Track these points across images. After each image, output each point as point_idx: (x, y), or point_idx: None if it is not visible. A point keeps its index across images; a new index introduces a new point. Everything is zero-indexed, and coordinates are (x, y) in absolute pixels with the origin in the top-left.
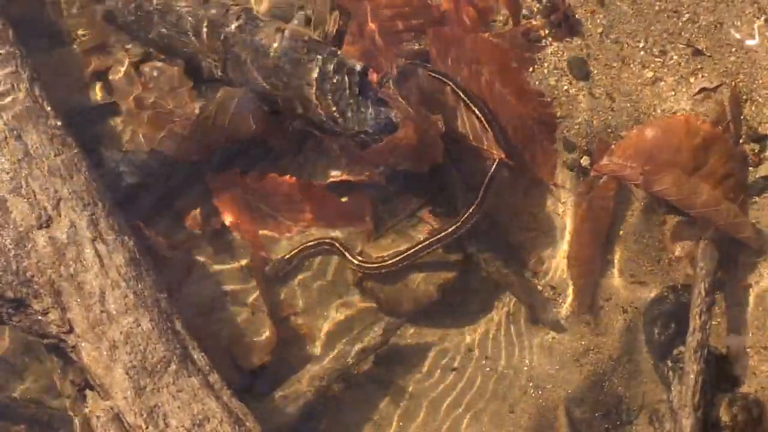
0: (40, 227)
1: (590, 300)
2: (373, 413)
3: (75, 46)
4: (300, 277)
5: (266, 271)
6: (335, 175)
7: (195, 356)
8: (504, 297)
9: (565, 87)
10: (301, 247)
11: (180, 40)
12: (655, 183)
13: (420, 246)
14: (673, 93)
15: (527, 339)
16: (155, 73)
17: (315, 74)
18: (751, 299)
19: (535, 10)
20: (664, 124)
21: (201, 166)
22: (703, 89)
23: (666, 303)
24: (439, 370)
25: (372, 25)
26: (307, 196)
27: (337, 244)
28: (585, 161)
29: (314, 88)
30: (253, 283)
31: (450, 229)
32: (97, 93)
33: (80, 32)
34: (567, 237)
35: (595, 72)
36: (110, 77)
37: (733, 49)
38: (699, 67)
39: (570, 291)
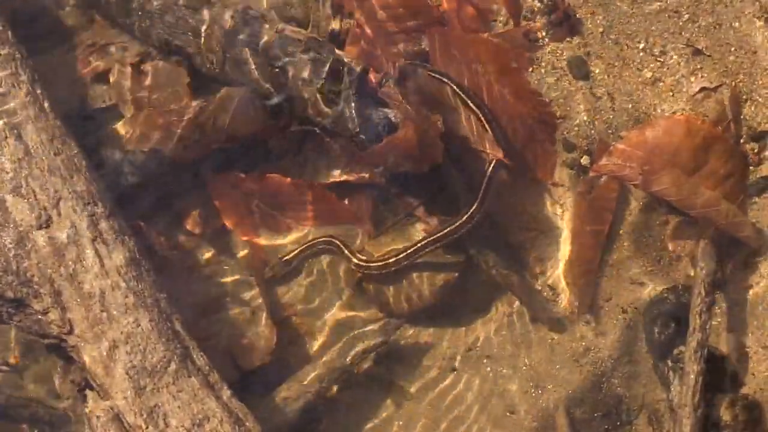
0: (40, 227)
1: (590, 300)
2: (373, 413)
3: (75, 46)
4: (300, 277)
5: (266, 271)
6: (335, 175)
7: (195, 356)
8: (504, 297)
9: (565, 87)
10: (301, 247)
11: (180, 40)
12: (654, 183)
13: (420, 246)
14: (673, 93)
15: (527, 339)
16: (155, 73)
17: (315, 74)
18: (751, 299)
19: (536, 9)
20: (664, 124)
21: (201, 166)
22: (703, 89)
23: (666, 303)
24: (439, 370)
25: (372, 25)
26: (307, 197)
27: (338, 244)
28: (585, 161)
29: (314, 88)
30: (253, 284)
31: (450, 229)
32: (97, 93)
33: (80, 32)
34: (567, 237)
35: (595, 72)
36: (110, 77)
37: (733, 49)
38: (699, 67)
39: (570, 291)
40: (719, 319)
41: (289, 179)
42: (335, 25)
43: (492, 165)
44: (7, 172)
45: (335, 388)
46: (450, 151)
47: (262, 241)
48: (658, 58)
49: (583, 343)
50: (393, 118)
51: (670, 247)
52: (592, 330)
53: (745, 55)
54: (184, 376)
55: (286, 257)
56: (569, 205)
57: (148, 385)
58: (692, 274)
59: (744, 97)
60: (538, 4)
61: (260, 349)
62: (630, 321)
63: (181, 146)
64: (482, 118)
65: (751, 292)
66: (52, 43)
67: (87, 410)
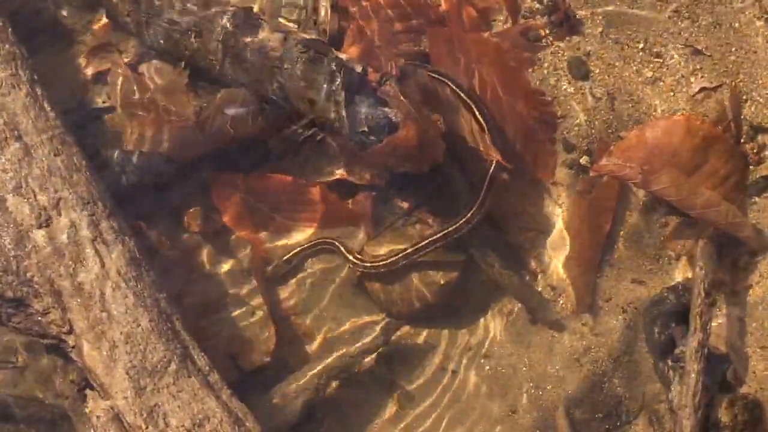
0: (40, 227)
1: (590, 300)
2: (374, 413)
3: (75, 46)
4: (300, 277)
5: (266, 271)
6: (335, 175)
7: (195, 356)
8: (504, 297)
9: (565, 87)
10: (301, 247)
11: (180, 41)
12: (653, 182)
13: (420, 246)
14: (673, 93)
15: (527, 339)
16: (155, 74)
17: (314, 74)
18: (751, 299)
19: (536, 9)
20: (664, 124)
21: (201, 166)
22: (703, 89)
23: (666, 303)
24: (439, 370)
25: (372, 25)
26: (308, 197)
27: (337, 244)
28: (585, 161)
29: (313, 88)
30: (254, 283)
31: (450, 229)
32: (97, 93)
33: (80, 32)
34: (567, 237)
35: (595, 72)
36: (110, 77)
37: (733, 49)
38: (699, 67)
39: (570, 291)
40: (719, 320)
41: (289, 179)
42: (335, 25)
43: (492, 166)
44: (7, 172)
45: (336, 388)
46: (451, 151)
47: (263, 240)
48: (658, 58)
49: (583, 343)
50: (393, 118)
51: (670, 247)
52: (592, 330)
53: (745, 55)
54: (184, 376)
55: (286, 257)
56: (569, 205)
57: (148, 385)
58: (692, 274)
59: (744, 97)
60: (538, 5)
61: (260, 349)
62: (630, 321)
63: (180, 146)
64: (481, 120)
65: (751, 292)
66: (52, 43)
67: (87, 410)
